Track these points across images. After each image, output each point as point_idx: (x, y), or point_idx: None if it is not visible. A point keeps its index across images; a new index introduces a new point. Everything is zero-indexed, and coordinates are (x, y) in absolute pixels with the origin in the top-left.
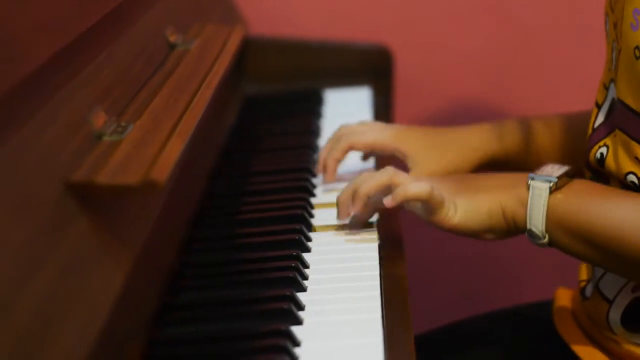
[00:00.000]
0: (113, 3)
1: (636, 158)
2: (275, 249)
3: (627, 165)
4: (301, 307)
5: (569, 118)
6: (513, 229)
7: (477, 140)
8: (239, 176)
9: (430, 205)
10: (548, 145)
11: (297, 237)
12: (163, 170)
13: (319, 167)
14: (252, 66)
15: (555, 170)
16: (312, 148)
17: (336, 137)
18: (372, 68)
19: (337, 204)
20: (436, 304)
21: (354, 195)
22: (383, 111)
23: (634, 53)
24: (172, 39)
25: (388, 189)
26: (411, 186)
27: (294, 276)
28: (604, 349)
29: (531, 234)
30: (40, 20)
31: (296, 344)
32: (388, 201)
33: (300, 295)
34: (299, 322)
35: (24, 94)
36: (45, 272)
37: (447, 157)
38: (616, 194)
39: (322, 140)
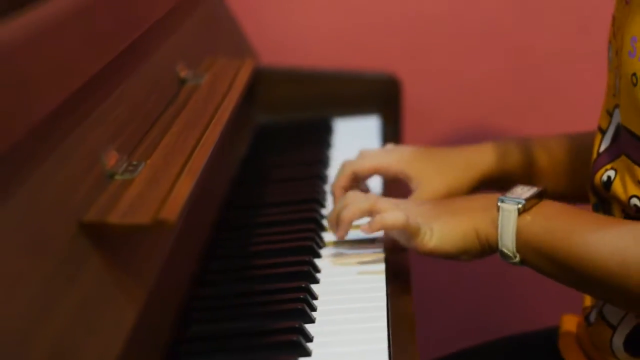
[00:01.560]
0: (125, 43)
1: (639, 182)
2: (285, 280)
3: (632, 189)
4: (310, 339)
5: (569, 139)
6: (487, 249)
7: (478, 160)
8: (248, 208)
9: (407, 232)
10: (548, 166)
11: (305, 269)
12: (173, 209)
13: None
14: (263, 96)
15: (524, 192)
16: (321, 178)
17: (341, 165)
18: (381, 97)
19: (328, 225)
20: (441, 330)
21: (338, 220)
22: (392, 139)
23: (632, 80)
24: (183, 74)
25: (370, 214)
26: (387, 216)
27: (302, 308)
28: None
29: (503, 254)
30: (54, 63)
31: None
32: (365, 228)
33: (309, 327)
34: (307, 353)
35: (39, 136)
36: (60, 309)
37: (450, 177)
38: (584, 216)
39: (332, 170)
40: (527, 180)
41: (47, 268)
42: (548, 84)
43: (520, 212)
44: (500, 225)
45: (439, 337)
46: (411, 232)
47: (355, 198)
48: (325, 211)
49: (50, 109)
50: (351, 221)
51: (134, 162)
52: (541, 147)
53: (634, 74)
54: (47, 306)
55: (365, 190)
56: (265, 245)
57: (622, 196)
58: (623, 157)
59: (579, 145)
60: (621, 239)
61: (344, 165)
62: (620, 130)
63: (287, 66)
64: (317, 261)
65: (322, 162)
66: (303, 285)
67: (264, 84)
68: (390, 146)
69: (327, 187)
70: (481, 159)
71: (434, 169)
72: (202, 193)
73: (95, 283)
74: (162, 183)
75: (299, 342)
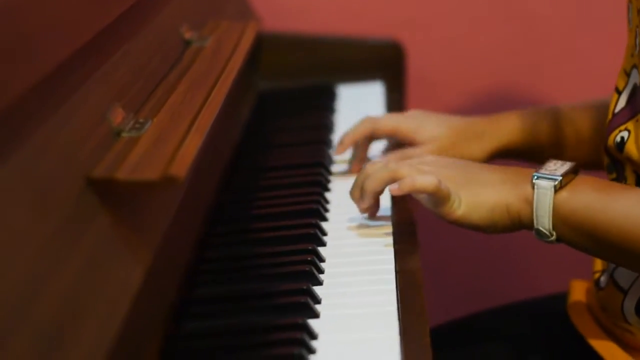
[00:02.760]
0: (129, 1)
1: None
2: (292, 243)
3: None
4: (318, 301)
5: (593, 109)
6: (517, 225)
7: (499, 131)
8: (253, 172)
9: (436, 197)
10: (572, 137)
11: (312, 232)
12: (182, 165)
13: (337, 147)
14: (265, 62)
15: (558, 168)
16: (326, 143)
17: (362, 120)
18: (385, 63)
19: (352, 200)
20: (450, 296)
21: (362, 192)
22: (396, 106)
23: None
24: (187, 35)
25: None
26: (419, 178)
27: (310, 270)
28: (618, 341)
29: (539, 233)
30: (57, 20)
31: (313, 337)
32: (394, 189)
33: (317, 289)
34: (315, 315)
35: (43, 92)
36: (67, 267)
37: (463, 149)
38: (620, 189)
39: (336, 135)
40: (552, 151)
41: (53, 225)
42: (554, 50)
43: (557, 189)
44: (536, 203)
45: (445, 302)
46: (441, 197)
47: (375, 168)
48: (330, 176)
49: (53, 66)
50: (375, 192)
51: (141, 120)
52: (565, 118)
53: None
54: (53, 264)
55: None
56: (271, 209)
57: (636, 157)
58: (639, 117)
59: (602, 114)
60: None
61: (364, 120)
62: (637, 90)
63: (290, 32)
64: (324, 224)
65: (327, 127)
66: (310, 248)
67: (266, 50)
68: (414, 111)
69: (333, 152)
70: (502, 129)
71: (449, 140)
72: (206, 156)
73: (103, 240)
74: (169, 141)
75: (307, 303)
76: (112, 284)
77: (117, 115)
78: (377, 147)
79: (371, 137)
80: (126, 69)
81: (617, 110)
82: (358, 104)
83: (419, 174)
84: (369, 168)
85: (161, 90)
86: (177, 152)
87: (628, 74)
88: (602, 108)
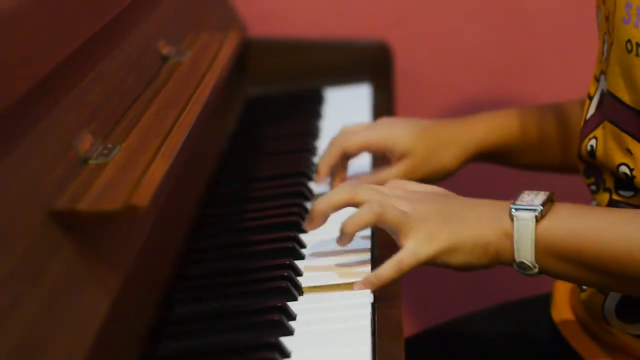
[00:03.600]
0: (99, 24)
1: (627, 150)
2: (269, 258)
3: (619, 156)
4: (293, 317)
5: (559, 109)
6: (494, 262)
7: (469, 138)
8: (236, 183)
9: (391, 227)
10: (537, 138)
11: (290, 245)
12: (145, 194)
13: (316, 177)
14: (253, 68)
15: (536, 198)
16: (310, 150)
17: (331, 142)
18: (372, 64)
19: (312, 212)
20: (435, 297)
21: (342, 230)
22: (384, 107)
23: (626, 46)
24: (165, 51)
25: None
26: (383, 273)
27: (286, 286)
28: (600, 341)
29: (521, 266)
30: (19, 50)
31: (286, 355)
32: (358, 288)
33: (293, 304)
34: (289, 332)
35: (7, 123)
36: (28, 302)
37: (435, 157)
38: (604, 211)
39: (322, 142)
40: (518, 153)
41: (13, 260)
42: (544, 48)
43: (538, 220)
44: (517, 236)
45: (432, 304)
46: (393, 227)
47: (361, 195)
48: (313, 184)
49: (16, 98)
50: (353, 235)
51: (109, 145)
52: (534, 118)
53: (629, 41)
54: (14, 299)
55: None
56: (250, 222)
57: (609, 164)
58: (606, 124)
59: (569, 115)
60: None
61: (332, 143)
62: (604, 96)
63: (277, 37)
64: (304, 236)
65: (312, 134)
66: (287, 263)
67: (253, 56)
68: (383, 120)
69: (317, 159)
70: (472, 135)
71: (421, 148)
72: (189, 169)
73: (66, 273)
74: (136, 167)
75: (281, 321)
76: (76, 315)
77: (85, 142)
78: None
79: (345, 157)
80: (98, 92)
81: (588, 116)
82: (345, 107)
83: (402, 217)
84: (350, 192)
85: (133, 111)
86: (141, 179)
87: (598, 80)
88: (567, 109)
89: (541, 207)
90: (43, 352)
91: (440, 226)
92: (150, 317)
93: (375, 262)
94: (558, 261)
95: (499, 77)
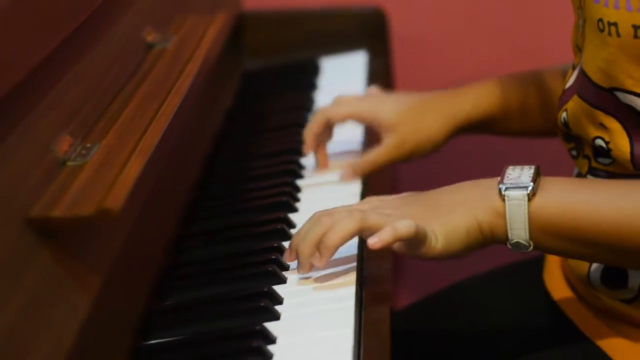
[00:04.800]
0: (76, 22)
1: (601, 124)
2: (258, 240)
3: (592, 131)
4: (279, 301)
5: (542, 76)
6: (489, 241)
7: (454, 109)
8: (230, 163)
9: (416, 239)
10: (517, 106)
11: (279, 227)
12: (118, 196)
13: (304, 147)
14: (249, 41)
15: (523, 174)
16: (303, 125)
17: (317, 111)
18: (367, 31)
19: (297, 253)
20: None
21: (319, 247)
22: (380, 75)
23: (598, 26)
24: (150, 38)
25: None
26: (400, 225)
27: (272, 270)
28: (589, 305)
29: (515, 245)
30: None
31: (271, 341)
32: (374, 242)
33: (280, 288)
34: (276, 317)
35: None
36: (6, 311)
37: (422, 129)
38: (599, 185)
39: None
40: (502, 121)
41: None
42: (543, 6)
43: (530, 198)
44: (510, 216)
45: (426, 271)
46: (421, 238)
47: (335, 218)
48: (305, 160)
49: None
50: (337, 248)
51: (88, 145)
52: (515, 87)
53: (600, 20)
54: None
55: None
56: (242, 205)
57: (584, 136)
58: (575, 98)
59: (548, 83)
60: None
61: (319, 111)
62: (580, 71)
63: (272, 8)
64: (294, 216)
65: (305, 107)
66: (275, 245)
67: (249, 29)
68: (372, 90)
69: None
70: (457, 107)
71: (407, 121)
72: (182, 152)
73: (43, 279)
74: (113, 167)
75: (267, 307)
76: (54, 320)
77: (64, 144)
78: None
79: (329, 126)
80: (77, 91)
81: (566, 87)
82: (341, 77)
83: (387, 219)
84: (325, 219)
85: (115, 107)
86: (117, 180)
87: (581, 51)
88: (549, 77)
89: (532, 184)
90: (21, 358)
91: (427, 221)
92: (141, 309)
93: (363, 241)
94: (554, 238)
95: (499, 39)
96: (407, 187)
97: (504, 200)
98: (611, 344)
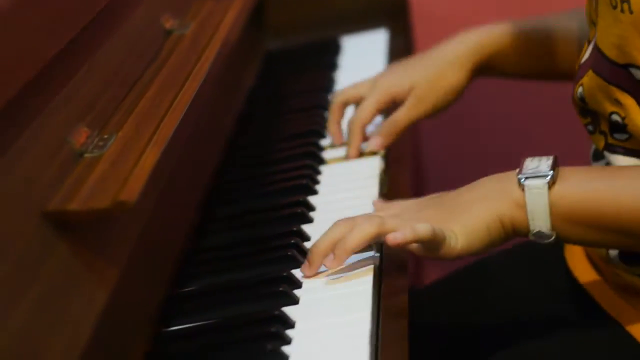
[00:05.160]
0: (91, 13)
1: (616, 100)
2: (279, 225)
3: (608, 106)
4: (298, 285)
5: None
6: (511, 235)
7: (464, 50)
8: (251, 146)
9: (434, 242)
10: (526, 45)
11: (299, 211)
12: (133, 188)
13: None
14: (272, 21)
15: (541, 164)
16: (323, 106)
17: (350, 127)
18: (388, 9)
19: (311, 254)
20: None
21: (336, 247)
22: (401, 52)
23: (610, 2)
24: (168, 25)
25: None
26: (419, 227)
27: (292, 254)
28: (609, 282)
29: (538, 235)
30: (10, 50)
31: (290, 326)
32: (394, 239)
33: (299, 272)
34: (294, 302)
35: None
36: (24, 304)
37: (441, 77)
38: (618, 172)
39: None
40: (512, 62)
41: (8, 264)
42: None
43: (550, 186)
44: (530, 206)
45: None
46: (439, 240)
47: (357, 222)
48: (325, 141)
49: (7, 99)
50: (355, 249)
51: (105, 136)
52: (522, 28)
53: None
54: (9, 303)
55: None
56: (262, 188)
57: (601, 112)
58: (590, 73)
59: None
60: None
61: (351, 125)
62: (595, 47)
63: None
64: (314, 198)
65: (326, 88)
66: (294, 229)
67: (271, 9)
68: (379, 74)
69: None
70: (468, 49)
71: (422, 76)
72: (204, 135)
73: (61, 272)
74: (129, 158)
75: (285, 292)
76: (72, 312)
77: (81, 135)
78: None
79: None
80: (94, 82)
81: (582, 61)
82: (361, 55)
83: (405, 224)
84: (345, 224)
85: (132, 96)
86: (133, 171)
87: (595, 26)
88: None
89: (552, 172)
90: (40, 352)
91: (446, 223)
92: (160, 297)
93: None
94: (575, 226)
95: (523, 16)
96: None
97: (523, 190)
98: (631, 320)
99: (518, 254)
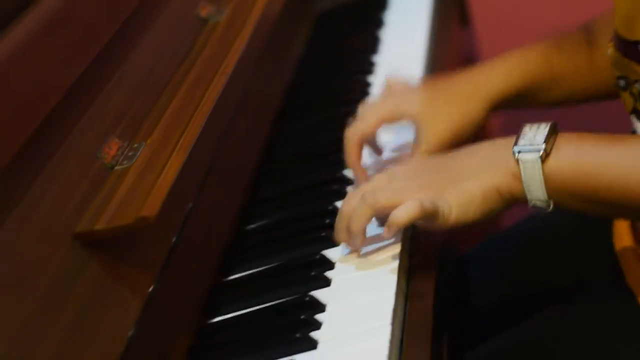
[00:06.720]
0: (117, 23)
1: (635, 72)
2: (317, 202)
3: (632, 74)
4: (331, 266)
5: (584, 31)
6: (511, 203)
7: (487, 84)
8: (295, 122)
9: (425, 217)
10: (569, 67)
11: (335, 188)
12: (154, 202)
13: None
14: None
15: (538, 133)
16: (368, 71)
17: (345, 137)
18: None
19: (335, 235)
20: None
21: (349, 233)
22: (446, 3)
23: None
24: (204, 13)
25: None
26: (400, 214)
27: (326, 235)
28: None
29: (535, 206)
30: (33, 79)
31: (320, 309)
32: (386, 234)
33: (332, 251)
34: (326, 284)
35: (27, 153)
36: (59, 322)
37: (455, 112)
38: (612, 144)
39: (380, 56)
40: (549, 89)
41: (42, 286)
42: None
43: (544, 159)
44: (525, 178)
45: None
46: (430, 215)
47: (352, 205)
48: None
49: (32, 129)
50: (363, 230)
51: (135, 145)
52: (555, 48)
53: None
54: (44, 324)
55: (378, 149)
56: (301, 166)
57: (629, 76)
58: (611, 44)
59: (594, 35)
60: None
61: (348, 137)
62: None
63: None
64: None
65: (371, 49)
66: (330, 208)
67: None
68: (392, 82)
69: (372, 78)
70: (490, 82)
71: (438, 107)
72: (251, 111)
73: (93, 287)
74: (155, 167)
75: (316, 275)
76: (106, 325)
77: (112, 148)
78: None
79: (365, 142)
80: (123, 92)
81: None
82: (407, 10)
83: (397, 196)
84: (346, 208)
85: (164, 98)
86: (155, 184)
87: None
88: (589, 29)
89: (544, 145)
90: None
91: (441, 190)
92: (205, 288)
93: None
94: (571, 198)
95: None
96: None
97: (518, 163)
98: None
99: (564, 218)
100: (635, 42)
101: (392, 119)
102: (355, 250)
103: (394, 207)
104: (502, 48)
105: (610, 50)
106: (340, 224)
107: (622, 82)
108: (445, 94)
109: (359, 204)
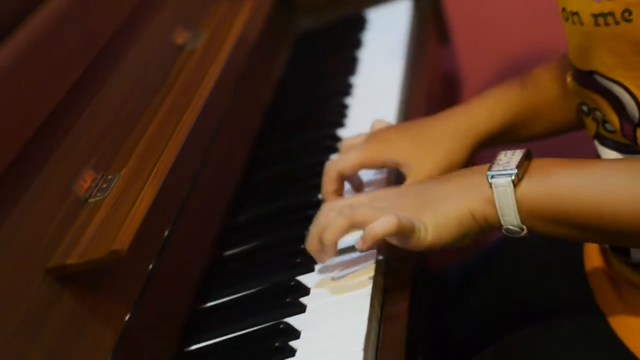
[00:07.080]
0: (89, 57)
1: (592, 100)
2: (290, 228)
3: (591, 102)
4: (306, 292)
5: (558, 66)
6: (486, 229)
7: (469, 123)
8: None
9: (401, 234)
10: (543, 103)
11: (310, 213)
12: (125, 236)
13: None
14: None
15: (512, 159)
16: (345, 93)
17: (325, 169)
18: None
19: (310, 253)
20: None
21: (321, 244)
22: (425, 19)
23: (563, 14)
24: (180, 40)
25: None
26: (376, 227)
27: (301, 261)
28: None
29: (508, 231)
30: (10, 109)
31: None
32: (360, 246)
33: (307, 277)
34: (301, 310)
35: (5, 182)
36: (33, 356)
37: (440, 153)
38: (582, 168)
39: (358, 77)
40: (530, 124)
41: (17, 317)
42: None
43: (516, 184)
44: (498, 203)
45: None
46: (406, 232)
47: (330, 217)
48: (345, 132)
49: (7, 162)
50: (336, 242)
51: (109, 177)
52: (531, 82)
53: (564, 9)
54: (20, 355)
55: (358, 184)
56: (276, 191)
57: (589, 104)
58: (569, 74)
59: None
60: (636, 179)
61: (327, 169)
62: None
63: None
64: None
65: (350, 71)
66: (305, 233)
67: None
68: (377, 124)
69: (350, 100)
70: (472, 120)
71: (422, 149)
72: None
73: (68, 318)
74: (128, 200)
75: (291, 302)
76: (81, 353)
77: (86, 181)
78: None
79: (343, 179)
80: (100, 121)
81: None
82: (385, 30)
83: (375, 212)
84: (322, 218)
85: (139, 128)
86: (127, 216)
87: None
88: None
89: (516, 170)
90: None
91: (419, 213)
92: (183, 313)
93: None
94: (543, 223)
95: None
96: None
97: (491, 187)
98: (614, 312)
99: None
100: (590, 72)
101: (373, 165)
102: (325, 270)
103: (371, 222)
104: (481, 64)
105: (569, 79)
106: (314, 231)
107: (585, 108)
108: (428, 136)
109: (336, 215)
